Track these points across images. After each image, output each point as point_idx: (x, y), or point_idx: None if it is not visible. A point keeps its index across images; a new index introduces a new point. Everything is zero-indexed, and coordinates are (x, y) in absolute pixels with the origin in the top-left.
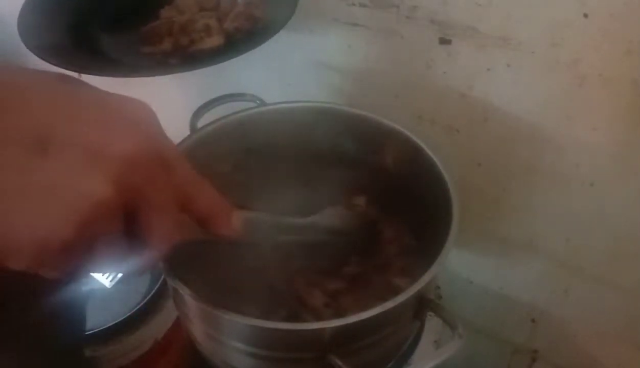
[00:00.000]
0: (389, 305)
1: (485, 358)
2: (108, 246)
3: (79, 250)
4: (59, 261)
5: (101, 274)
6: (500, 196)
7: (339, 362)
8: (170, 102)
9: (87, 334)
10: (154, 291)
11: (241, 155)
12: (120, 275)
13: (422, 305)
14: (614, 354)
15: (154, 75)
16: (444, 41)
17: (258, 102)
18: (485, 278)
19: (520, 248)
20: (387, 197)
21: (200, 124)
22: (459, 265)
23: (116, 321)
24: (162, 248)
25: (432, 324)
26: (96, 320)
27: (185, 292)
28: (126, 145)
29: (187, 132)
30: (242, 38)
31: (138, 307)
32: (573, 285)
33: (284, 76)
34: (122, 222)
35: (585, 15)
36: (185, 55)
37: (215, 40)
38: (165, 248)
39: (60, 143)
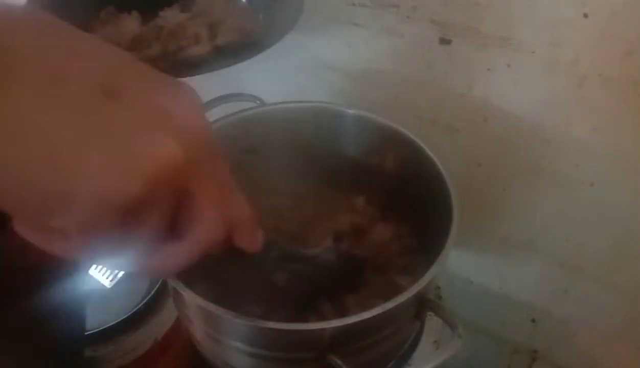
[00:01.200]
0: (389, 305)
1: (485, 358)
2: (149, 230)
3: (136, 216)
4: (112, 225)
5: (101, 274)
6: (500, 196)
7: (340, 362)
8: None
9: (87, 334)
10: (154, 291)
11: (240, 155)
12: (122, 273)
13: (422, 305)
14: (614, 354)
15: None
16: (444, 41)
17: (258, 102)
18: (485, 278)
19: (520, 248)
20: (387, 197)
21: None
22: (459, 265)
23: (116, 321)
24: (202, 245)
25: (432, 324)
26: (96, 320)
27: (186, 292)
28: (192, 119)
29: None
30: (232, 49)
31: (138, 307)
32: (573, 285)
33: (284, 76)
34: (175, 201)
35: (585, 15)
36: (174, 61)
37: (202, 48)
38: (206, 244)
39: (128, 94)
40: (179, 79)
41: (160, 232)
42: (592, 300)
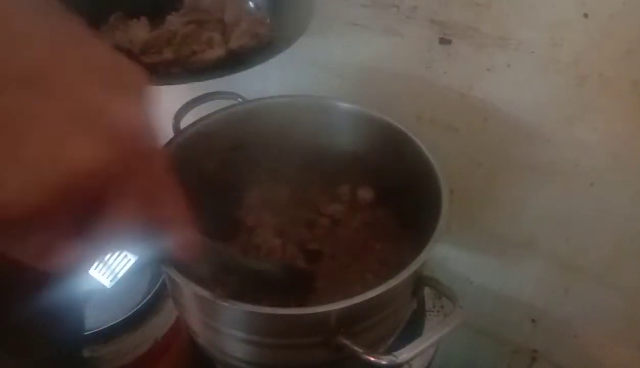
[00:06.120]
0: (392, 282)
1: (485, 358)
2: (51, 230)
3: (33, 224)
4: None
5: (101, 274)
6: (500, 196)
7: (348, 342)
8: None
9: (87, 334)
10: (154, 291)
11: (227, 153)
12: (122, 273)
13: (419, 282)
14: (614, 354)
15: (164, 84)
16: (444, 41)
17: (239, 99)
18: (485, 278)
19: (520, 248)
20: (374, 188)
21: (183, 124)
22: (459, 265)
23: (116, 321)
24: (109, 244)
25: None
26: (96, 320)
27: (180, 280)
28: (126, 114)
29: (170, 134)
30: (246, 53)
31: (138, 307)
32: (573, 285)
33: (282, 76)
34: (83, 209)
35: (585, 15)
36: (187, 66)
37: (216, 52)
38: (113, 245)
39: (53, 84)
40: (133, 66)
41: (60, 238)
42: (592, 300)
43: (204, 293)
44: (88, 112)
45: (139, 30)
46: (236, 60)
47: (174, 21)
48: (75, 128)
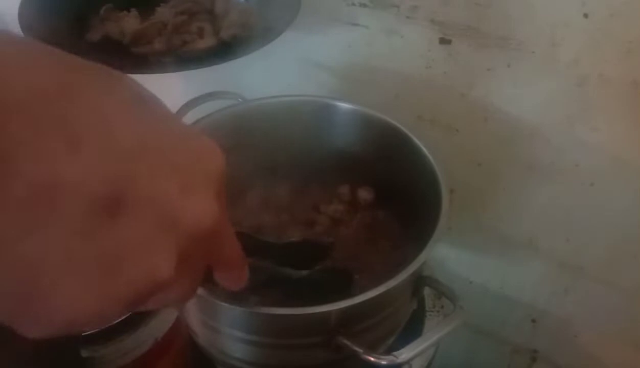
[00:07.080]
0: (392, 283)
1: (485, 358)
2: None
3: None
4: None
5: None
6: (500, 196)
7: (348, 342)
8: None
9: (87, 334)
10: None
11: (227, 153)
12: None
13: (419, 282)
14: (614, 354)
15: (155, 73)
16: (444, 41)
17: (239, 99)
18: (485, 278)
19: (520, 248)
20: (375, 188)
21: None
22: (459, 265)
23: (116, 321)
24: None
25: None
26: None
27: None
28: (201, 215)
29: None
30: (236, 43)
31: None
32: (573, 285)
33: (283, 76)
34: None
35: (585, 15)
36: (178, 55)
37: (207, 42)
38: (186, 302)
39: (137, 201)
40: (208, 148)
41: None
42: (592, 300)
43: (204, 293)
44: (166, 218)
45: (130, 22)
46: (227, 50)
47: (164, 12)
48: (153, 239)
